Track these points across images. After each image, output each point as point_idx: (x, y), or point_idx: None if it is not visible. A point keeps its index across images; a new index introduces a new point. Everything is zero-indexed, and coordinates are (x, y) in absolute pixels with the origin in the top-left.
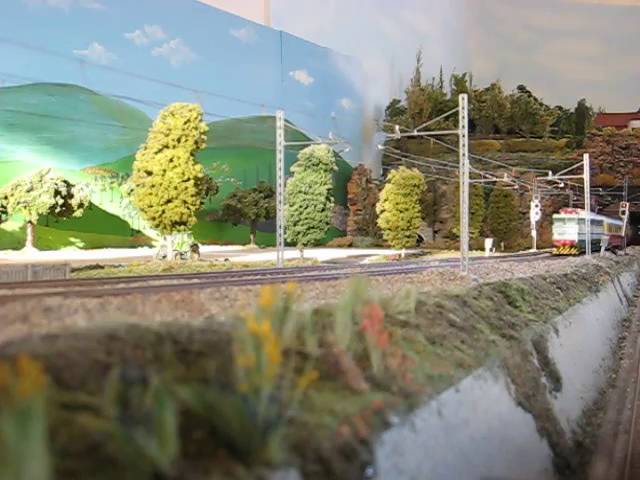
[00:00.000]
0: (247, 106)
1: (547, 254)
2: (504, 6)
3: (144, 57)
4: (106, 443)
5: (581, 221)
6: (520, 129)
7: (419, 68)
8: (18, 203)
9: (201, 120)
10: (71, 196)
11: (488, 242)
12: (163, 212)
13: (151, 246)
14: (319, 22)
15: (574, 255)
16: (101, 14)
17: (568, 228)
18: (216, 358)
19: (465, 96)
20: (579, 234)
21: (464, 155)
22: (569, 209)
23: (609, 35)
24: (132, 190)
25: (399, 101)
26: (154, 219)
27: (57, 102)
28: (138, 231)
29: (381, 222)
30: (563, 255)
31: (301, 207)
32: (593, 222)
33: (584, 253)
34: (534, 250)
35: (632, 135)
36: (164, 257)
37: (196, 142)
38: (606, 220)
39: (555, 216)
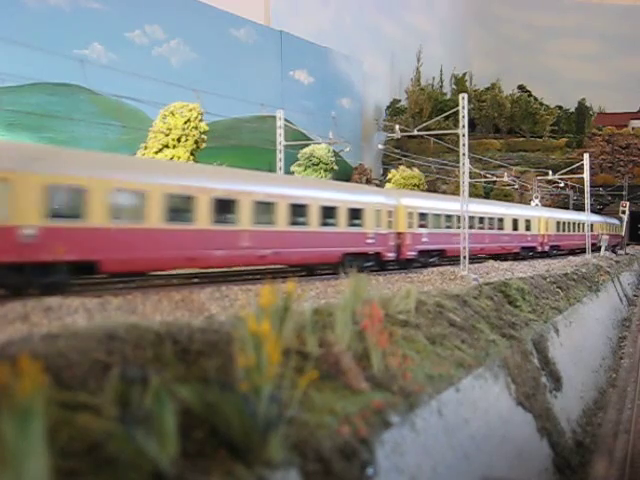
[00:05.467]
0: (247, 105)
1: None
2: (504, 6)
3: (144, 57)
4: (106, 443)
5: None
6: (520, 129)
7: (419, 68)
8: None
9: (201, 120)
10: None
11: None
12: None
13: None
14: (319, 22)
15: None
16: (101, 14)
17: None
18: (216, 358)
19: (465, 96)
20: None
21: (464, 155)
22: None
23: (609, 35)
24: None
25: (399, 101)
26: None
27: (57, 102)
28: None
29: None
30: None
31: None
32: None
33: None
34: None
35: (632, 135)
36: None
37: (196, 142)
38: None
39: None
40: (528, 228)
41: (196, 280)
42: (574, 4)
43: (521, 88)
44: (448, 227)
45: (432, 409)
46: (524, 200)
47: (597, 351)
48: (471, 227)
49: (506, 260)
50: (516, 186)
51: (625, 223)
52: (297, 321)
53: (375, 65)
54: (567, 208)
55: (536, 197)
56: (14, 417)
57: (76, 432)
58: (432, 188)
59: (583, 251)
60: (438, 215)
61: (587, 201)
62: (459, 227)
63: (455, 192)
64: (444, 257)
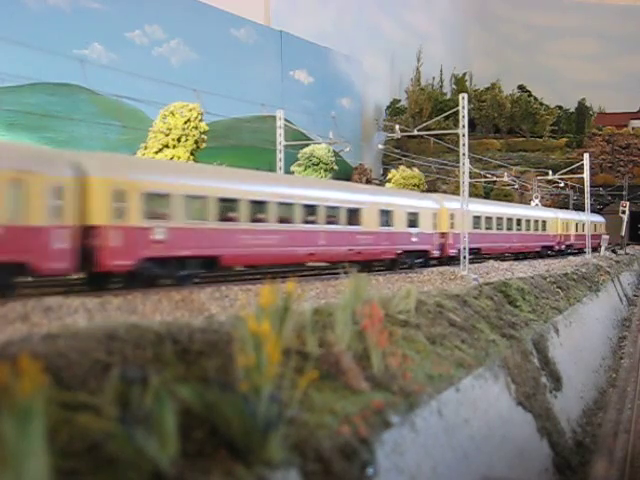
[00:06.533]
0: (247, 105)
1: None
2: (504, 6)
3: (144, 57)
4: (106, 443)
5: None
6: (520, 128)
7: (419, 67)
8: None
9: (201, 120)
10: None
11: None
12: None
13: None
14: (319, 22)
15: None
16: (101, 14)
17: None
18: (216, 358)
19: (465, 95)
20: None
21: (464, 155)
22: None
23: (609, 34)
24: None
25: (399, 101)
26: None
27: (57, 102)
28: None
29: None
30: None
31: None
32: None
33: None
34: None
35: (632, 135)
36: None
37: (196, 142)
38: None
39: None
40: (414, 224)
41: (196, 280)
42: (574, 4)
43: (521, 88)
44: (229, 220)
45: (432, 409)
46: (524, 200)
47: (597, 351)
48: (286, 220)
49: (505, 260)
50: (516, 186)
51: (625, 223)
52: (297, 321)
53: (375, 65)
54: (567, 208)
55: (536, 197)
56: (14, 417)
57: (76, 432)
58: (432, 188)
59: (537, 256)
60: (202, 198)
61: (587, 201)
62: (264, 220)
63: (455, 192)
64: (219, 268)
